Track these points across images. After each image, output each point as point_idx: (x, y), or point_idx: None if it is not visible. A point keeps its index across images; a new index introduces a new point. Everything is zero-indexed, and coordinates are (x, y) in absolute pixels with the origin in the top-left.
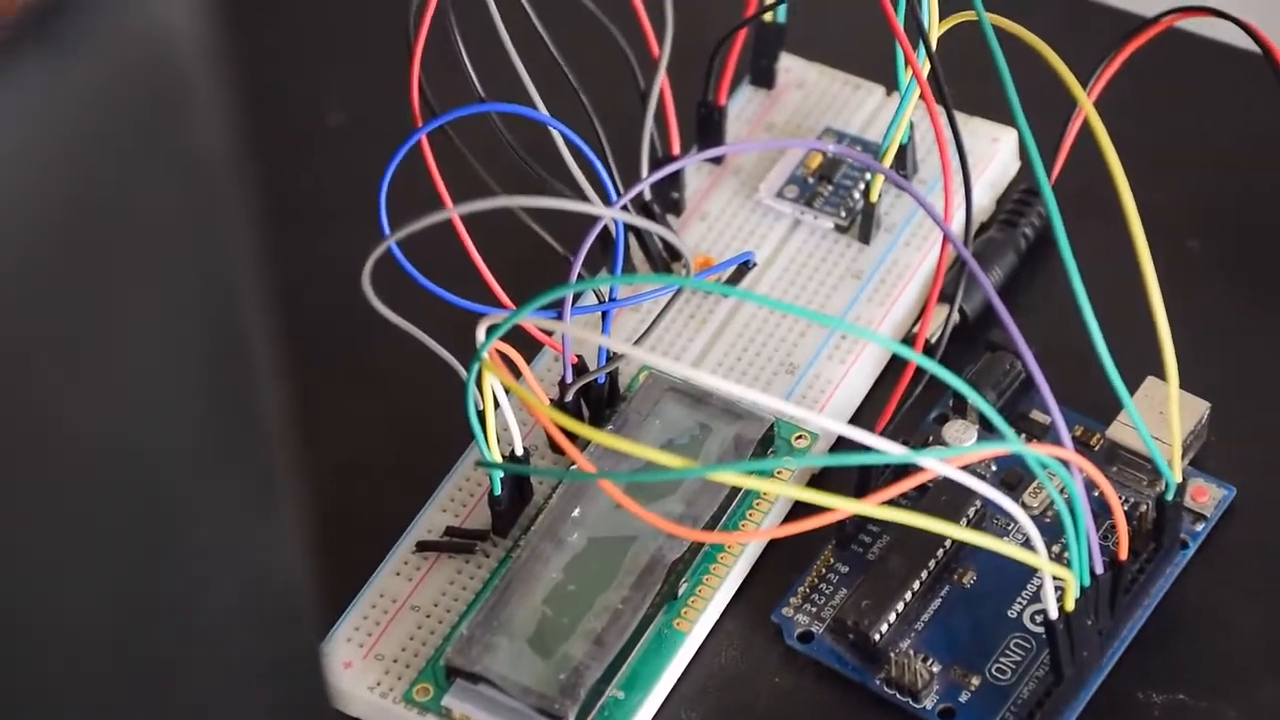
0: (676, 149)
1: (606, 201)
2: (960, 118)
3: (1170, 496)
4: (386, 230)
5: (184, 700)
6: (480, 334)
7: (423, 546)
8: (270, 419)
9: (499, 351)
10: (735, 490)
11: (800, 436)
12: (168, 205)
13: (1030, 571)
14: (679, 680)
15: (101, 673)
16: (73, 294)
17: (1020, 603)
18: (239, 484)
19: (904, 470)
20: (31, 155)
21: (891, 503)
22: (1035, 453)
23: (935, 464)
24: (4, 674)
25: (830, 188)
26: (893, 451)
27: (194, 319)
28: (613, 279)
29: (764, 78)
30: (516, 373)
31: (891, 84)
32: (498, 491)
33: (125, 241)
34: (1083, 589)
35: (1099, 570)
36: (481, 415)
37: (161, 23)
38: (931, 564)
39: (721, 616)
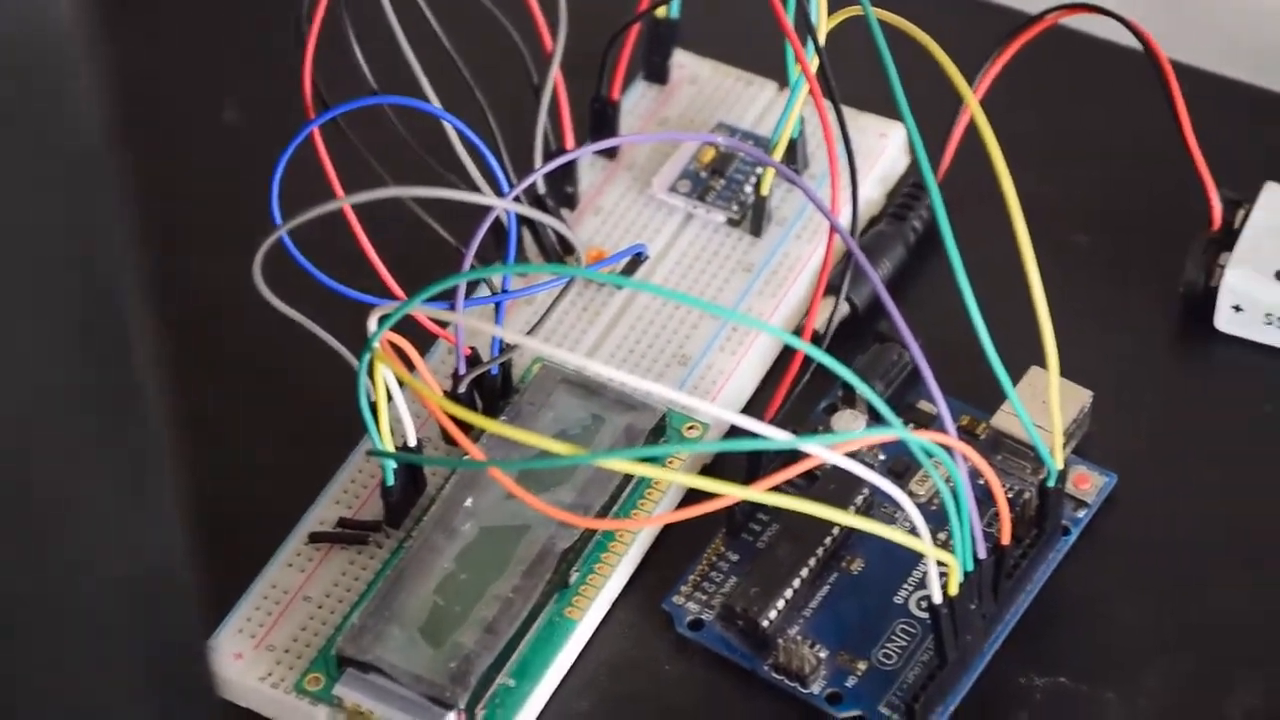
0: (570, 143)
1: (499, 194)
2: (849, 113)
3: (1052, 483)
4: (278, 220)
5: (64, 685)
6: (371, 324)
7: (315, 538)
8: (148, 404)
9: (392, 344)
10: (627, 480)
11: (691, 427)
12: (39, 185)
13: (916, 558)
14: (570, 668)
15: None
16: None
17: (906, 589)
18: (115, 468)
19: (793, 458)
20: None
21: (781, 491)
22: (919, 439)
23: (820, 450)
24: None
25: (722, 182)
26: (778, 437)
27: (67, 305)
28: (505, 268)
29: (657, 73)
30: (410, 365)
31: (783, 80)
32: (390, 482)
33: None
34: (966, 574)
35: (982, 555)
36: (374, 406)
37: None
38: (819, 552)
39: (613, 605)
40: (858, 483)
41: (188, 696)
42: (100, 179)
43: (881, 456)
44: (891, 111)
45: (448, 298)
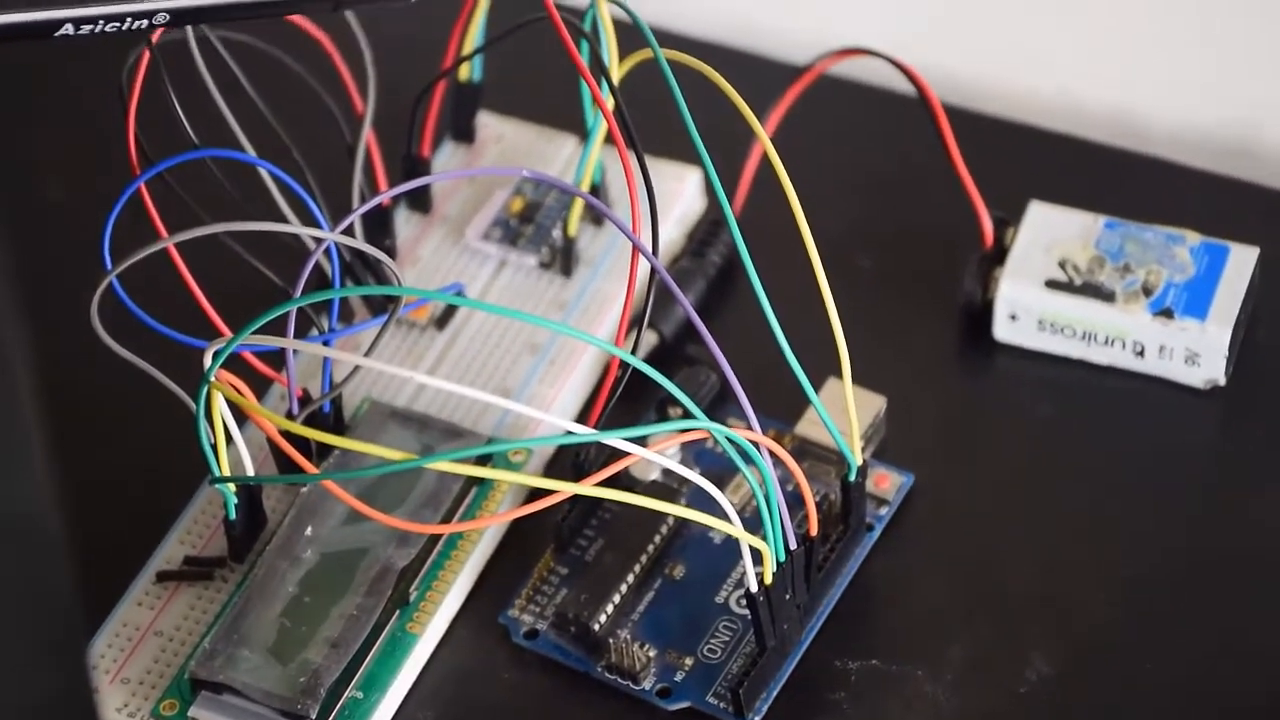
0: (383, 190)
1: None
2: (647, 160)
3: (853, 477)
4: (109, 266)
5: None
6: (207, 359)
7: (163, 577)
8: (20, 378)
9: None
10: (459, 499)
11: (517, 454)
12: None
13: (734, 561)
14: (416, 680)
15: None
16: None
17: (725, 589)
18: None
19: (612, 460)
20: None
21: (605, 486)
22: (729, 432)
23: (625, 443)
24: None
25: (532, 228)
26: (587, 432)
27: None
28: (333, 292)
29: (464, 134)
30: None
31: (582, 133)
32: (233, 515)
33: None
34: (779, 564)
35: (793, 545)
36: (214, 442)
37: None
38: (643, 559)
39: (452, 620)
40: (676, 494)
41: (58, 647)
42: None
43: (698, 469)
44: (685, 157)
45: (276, 334)
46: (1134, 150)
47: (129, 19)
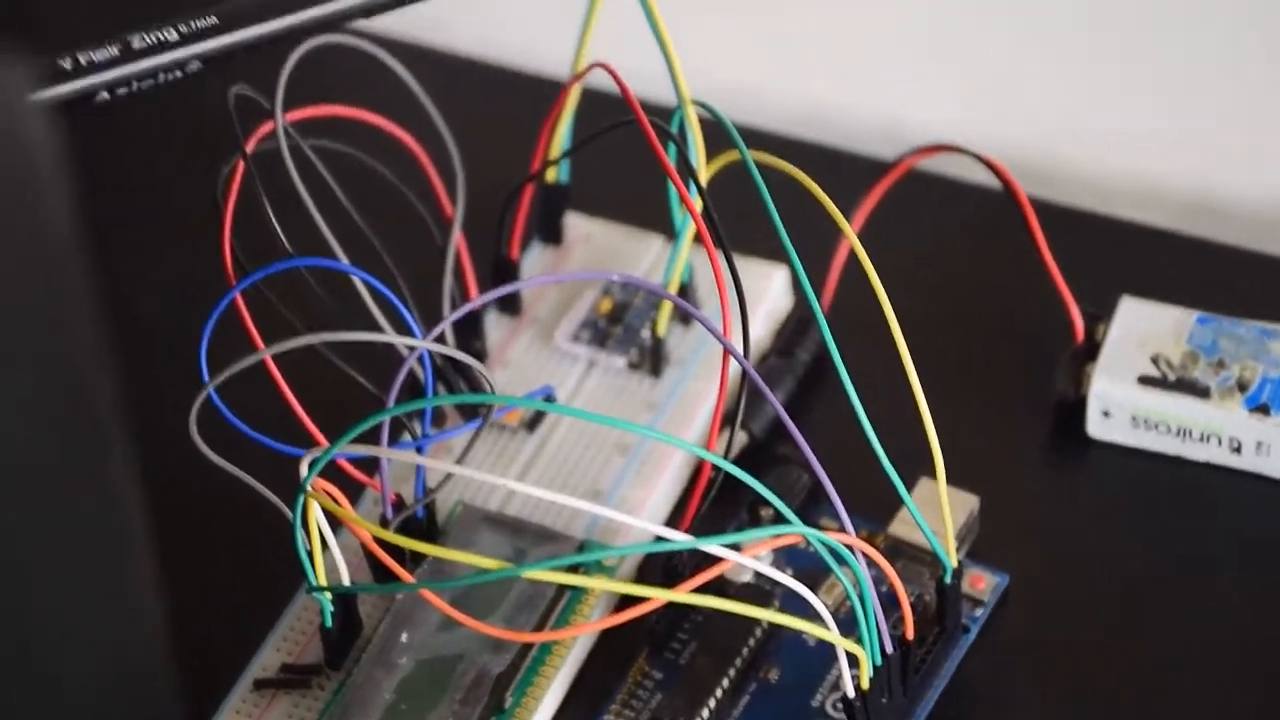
0: (474, 296)
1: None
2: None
3: (949, 579)
4: (206, 378)
5: None
6: (303, 469)
7: (260, 685)
8: (126, 498)
9: (324, 491)
10: (553, 605)
11: (609, 561)
12: (14, 285)
13: (829, 664)
14: None
15: None
16: None
17: (821, 693)
18: (96, 557)
19: (704, 568)
20: None
21: (699, 593)
22: (822, 536)
23: (721, 549)
24: None
25: (620, 329)
26: (684, 540)
27: (41, 399)
28: (425, 401)
29: (552, 234)
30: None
31: (669, 233)
32: (329, 623)
33: None
34: (875, 668)
35: (889, 649)
36: (310, 550)
37: (6, 103)
38: (738, 662)
39: None
40: (769, 597)
41: None
42: (75, 277)
43: (790, 570)
44: (770, 254)
45: (371, 443)
46: (1225, 242)
47: (161, 73)
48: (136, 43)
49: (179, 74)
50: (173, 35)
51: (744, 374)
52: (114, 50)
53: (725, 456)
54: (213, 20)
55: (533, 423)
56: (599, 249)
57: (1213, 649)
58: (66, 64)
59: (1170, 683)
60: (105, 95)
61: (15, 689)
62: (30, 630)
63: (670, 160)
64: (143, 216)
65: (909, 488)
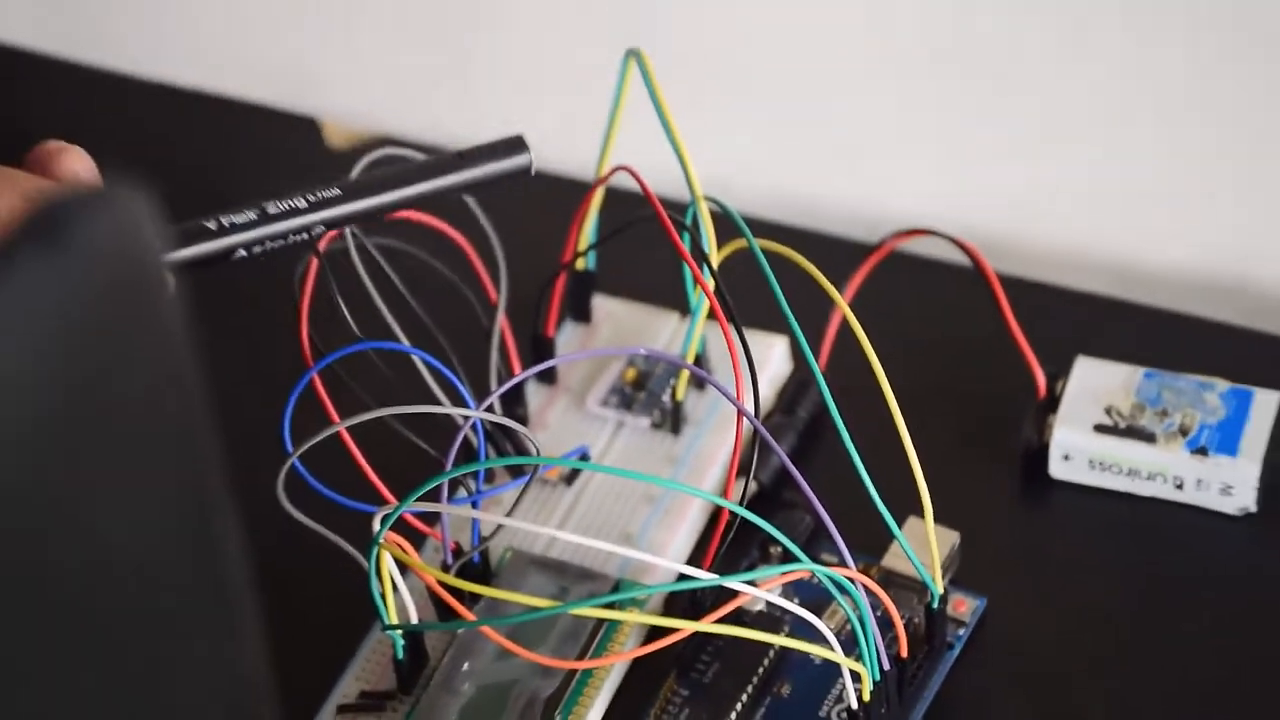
0: (518, 370)
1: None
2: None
3: (935, 604)
4: (289, 449)
5: None
6: (376, 524)
7: (342, 709)
8: (233, 552)
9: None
10: (593, 636)
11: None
12: (141, 376)
13: (833, 680)
14: None
15: None
16: (67, 458)
17: (827, 705)
18: (207, 605)
19: (725, 600)
20: (43, 325)
21: (721, 623)
22: (828, 571)
23: (743, 586)
24: None
25: (644, 394)
26: (705, 577)
27: (165, 470)
28: (478, 464)
29: (582, 314)
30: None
31: (684, 309)
32: (400, 656)
33: (110, 407)
34: (875, 682)
35: (886, 665)
36: (383, 593)
37: (128, 228)
38: (754, 680)
39: None
40: (780, 622)
41: None
42: (191, 374)
43: (796, 599)
44: (770, 327)
45: (433, 500)
46: (1165, 308)
47: (292, 235)
48: (271, 209)
49: (305, 237)
50: (302, 203)
51: (755, 431)
52: (251, 214)
53: (740, 503)
54: (336, 191)
55: (570, 478)
56: (623, 326)
57: (1163, 654)
58: (211, 225)
59: (1128, 686)
60: (242, 253)
61: None
62: (166, 674)
63: (685, 247)
64: (229, 310)
65: (899, 525)
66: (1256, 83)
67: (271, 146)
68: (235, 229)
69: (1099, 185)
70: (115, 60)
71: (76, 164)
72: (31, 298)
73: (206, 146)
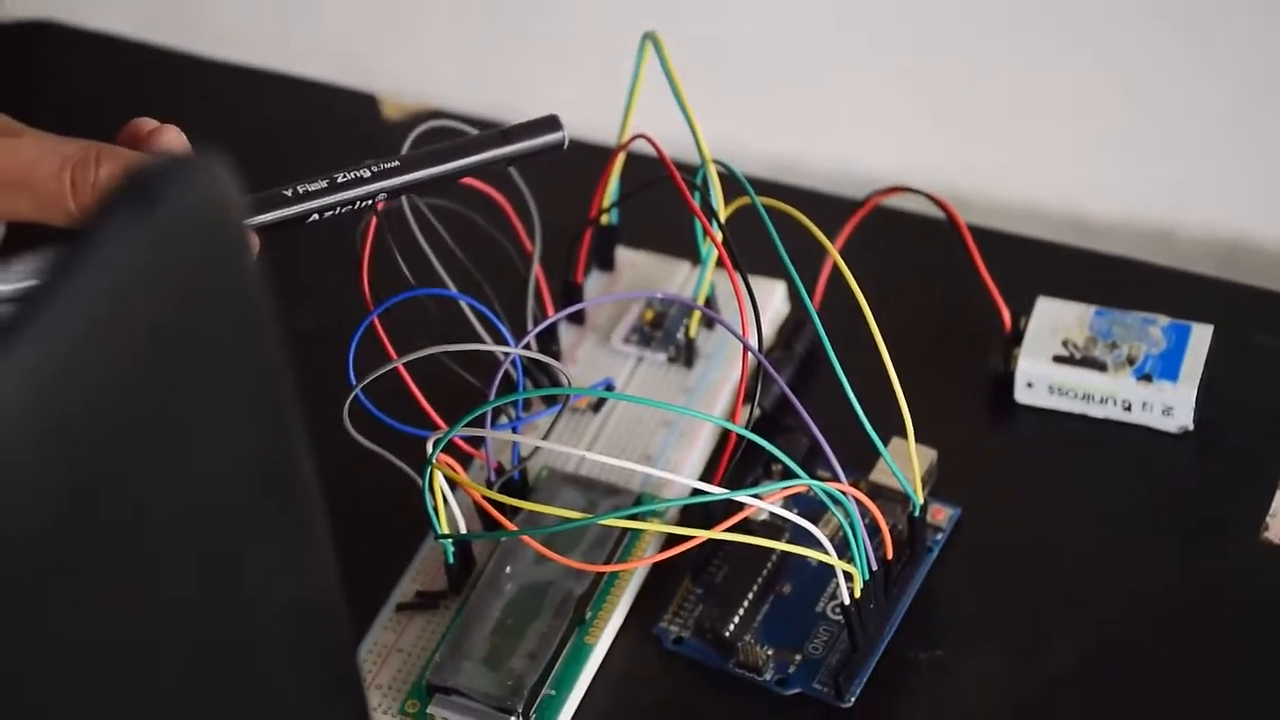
0: (551, 313)
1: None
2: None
3: (917, 513)
4: (354, 381)
5: (252, 694)
6: (429, 447)
7: (401, 607)
8: (307, 474)
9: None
10: (619, 541)
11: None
12: (227, 325)
13: (827, 580)
14: (593, 678)
15: (188, 667)
16: (163, 394)
17: (823, 601)
18: (288, 523)
19: (733, 512)
20: (140, 278)
21: (731, 532)
22: (823, 485)
23: (751, 499)
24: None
25: (661, 333)
26: (718, 491)
27: (249, 409)
28: (519, 394)
29: (607, 263)
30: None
31: (695, 259)
32: (451, 561)
33: (201, 353)
34: (865, 581)
35: (874, 566)
36: (436, 507)
37: (214, 193)
38: (759, 580)
39: (618, 633)
40: (781, 530)
41: (346, 690)
42: (267, 326)
43: (795, 510)
44: (769, 273)
45: (478, 425)
46: (1115, 253)
47: (358, 201)
48: (340, 178)
49: (369, 203)
50: (366, 173)
51: (758, 364)
52: (323, 183)
53: (746, 427)
54: (395, 163)
55: (598, 406)
56: (642, 273)
57: (1114, 560)
58: (288, 193)
59: (1084, 581)
60: (315, 217)
61: (238, 623)
62: (252, 583)
63: (696, 204)
64: (298, 262)
65: (884, 444)
66: (1176, 55)
67: (334, 120)
68: (309, 196)
69: (1055, 148)
70: (193, 44)
71: (171, 140)
72: (129, 252)
73: (276, 121)
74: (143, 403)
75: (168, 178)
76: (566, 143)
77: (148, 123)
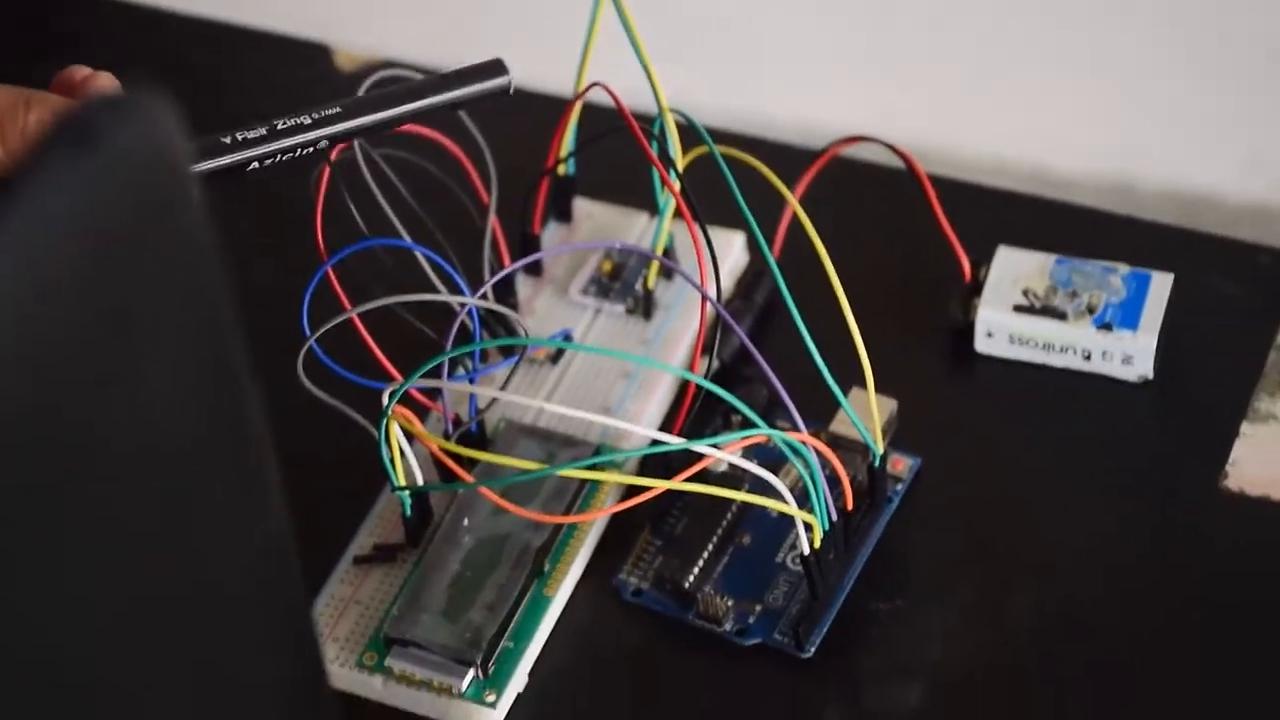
0: (507, 264)
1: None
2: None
3: (877, 463)
4: (308, 332)
5: (207, 647)
6: (385, 398)
7: (359, 560)
8: (256, 419)
9: (401, 414)
10: (577, 493)
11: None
12: (171, 268)
13: (787, 530)
14: (551, 631)
15: (141, 622)
16: (106, 338)
17: (782, 552)
18: (237, 471)
19: (692, 462)
20: (78, 223)
21: (689, 482)
22: (783, 435)
23: (709, 449)
24: (64, 618)
25: (619, 284)
26: (674, 441)
27: (195, 352)
28: (475, 345)
29: (564, 214)
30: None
31: (653, 210)
32: (408, 513)
33: (144, 297)
34: (825, 532)
35: (834, 517)
36: (392, 459)
37: (155, 133)
38: (719, 531)
39: (577, 585)
40: (741, 481)
41: (301, 642)
42: (213, 267)
43: (755, 461)
44: (728, 223)
45: (434, 376)
46: (1074, 202)
47: (299, 149)
48: (280, 125)
49: (310, 150)
50: (307, 120)
51: (716, 314)
52: (262, 130)
53: (705, 377)
54: (337, 109)
55: (556, 357)
56: (600, 224)
57: (1072, 506)
58: (227, 140)
59: (1042, 534)
60: (255, 165)
61: (189, 572)
62: (203, 530)
63: (654, 153)
64: (252, 214)
65: (844, 395)
66: (1141, 10)
67: (289, 72)
68: (248, 144)
69: (1013, 99)
70: None
71: (104, 86)
72: (66, 196)
73: (229, 74)
74: (88, 344)
75: (105, 117)
76: (512, 87)
77: (81, 70)
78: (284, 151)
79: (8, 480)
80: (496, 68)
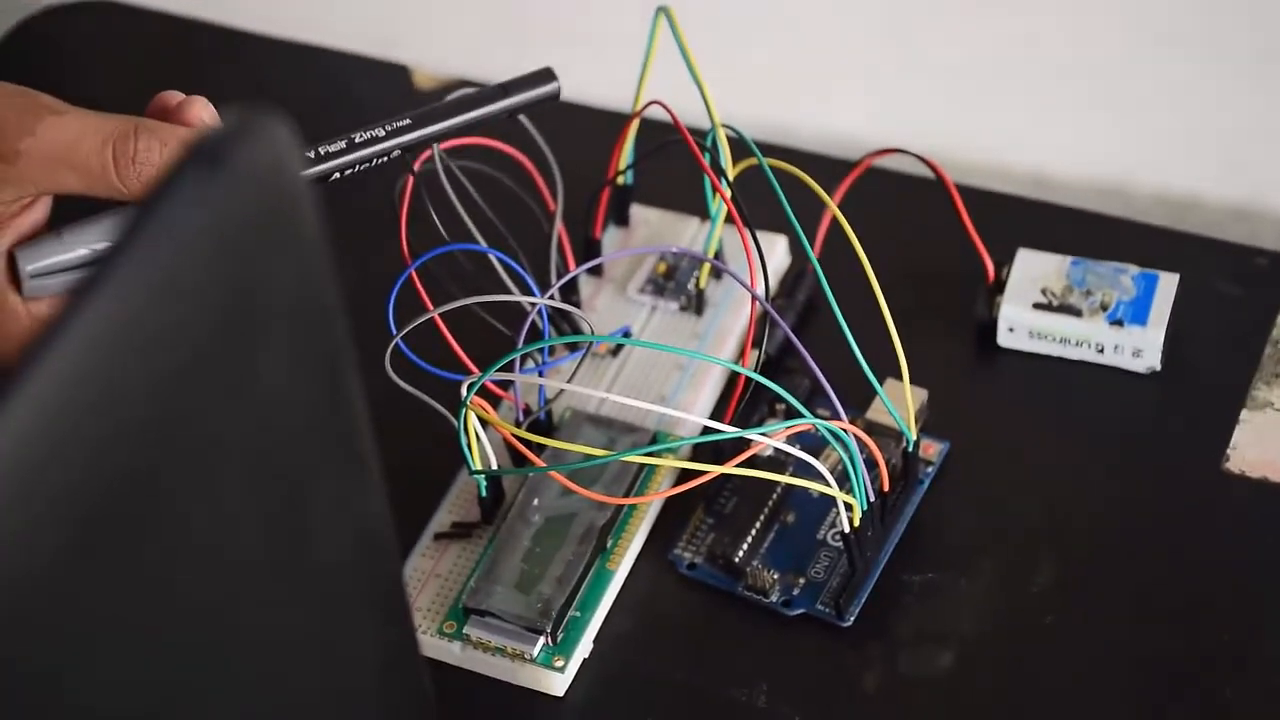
0: (572, 266)
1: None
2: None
3: (910, 448)
4: (394, 330)
5: (320, 616)
6: (464, 390)
7: (438, 536)
8: (362, 414)
9: (478, 404)
10: (637, 475)
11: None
12: (290, 273)
13: (828, 510)
14: (614, 601)
15: (262, 590)
16: (229, 346)
17: (824, 529)
18: (344, 457)
19: (742, 448)
20: (212, 235)
21: (741, 467)
22: (824, 423)
23: (760, 436)
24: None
25: (673, 283)
26: (729, 430)
27: (310, 348)
28: (544, 341)
29: (623, 220)
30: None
31: (704, 215)
32: (484, 494)
33: (267, 300)
34: (863, 511)
35: (871, 497)
36: (469, 445)
37: (274, 151)
38: (765, 510)
39: (637, 559)
40: (786, 465)
41: (397, 617)
42: (328, 277)
43: (799, 445)
44: (772, 227)
45: (508, 370)
46: (1089, 209)
47: (375, 159)
48: (357, 138)
49: (385, 159)
50: (381, 132)
51: (763, 311)
52: (342, 144)
53: (754, 369)
54: (407, 120)
55: (616, 351)
56: (656, 229)
57: (1089, 487)
58: (311, 154)
59: (1062, 512)
60: (337, 175)
61: (296, 545)
62: (316, 512)
63: (707, 164)
64: (345, 222)
65: (880, 385)
66: (1134, 33)
67: (371, 91)
68: (329, 156)
69: (1020, 114)
70: (231, 19)
71: (202, 111)
72: (201, 211)
73: (311, 94)
74: (213, 353)
75: (232, 139)
76: (560, 93)
77: (175, 95)
78: (362, 161)
79: (161, 462)
80: (546, 75)
